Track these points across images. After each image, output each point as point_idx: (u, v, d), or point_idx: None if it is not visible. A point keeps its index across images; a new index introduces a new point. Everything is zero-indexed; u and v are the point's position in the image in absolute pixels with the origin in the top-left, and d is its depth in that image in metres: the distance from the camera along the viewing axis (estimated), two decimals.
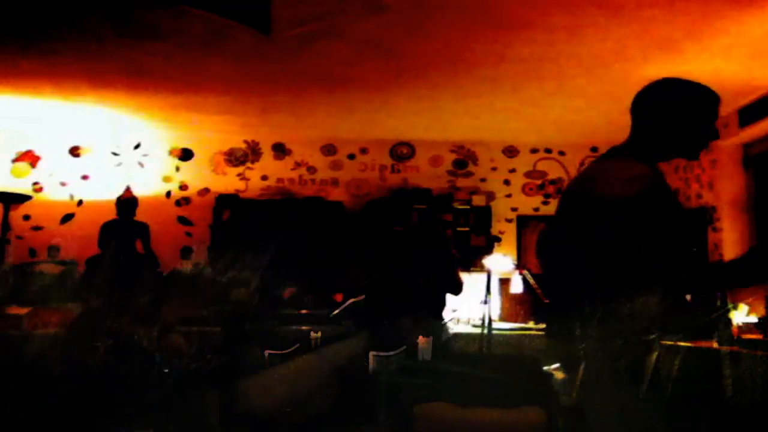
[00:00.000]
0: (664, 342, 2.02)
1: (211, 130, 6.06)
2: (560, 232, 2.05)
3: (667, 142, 1.97)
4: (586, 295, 1.86)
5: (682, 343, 3.74)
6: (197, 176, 6.24)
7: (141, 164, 6.21)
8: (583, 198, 1.94)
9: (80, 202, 6.10)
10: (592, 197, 1.89)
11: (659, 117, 1.95)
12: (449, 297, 4.41)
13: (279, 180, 6.27)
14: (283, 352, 3.44)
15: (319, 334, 4.04)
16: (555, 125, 5.70)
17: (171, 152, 6.26)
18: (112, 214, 5.48)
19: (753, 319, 3.99)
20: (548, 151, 6.35)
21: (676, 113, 1.94)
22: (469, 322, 5.50)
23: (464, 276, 5.53)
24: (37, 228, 5.99)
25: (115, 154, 6.20)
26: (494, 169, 6.35)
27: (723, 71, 4.32)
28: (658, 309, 1.81)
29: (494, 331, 4.70)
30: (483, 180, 6.33)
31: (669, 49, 3.99)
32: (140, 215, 5.55)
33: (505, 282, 5.60)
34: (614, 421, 1.80)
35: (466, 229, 6.02)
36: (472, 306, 5.47)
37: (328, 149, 6.33)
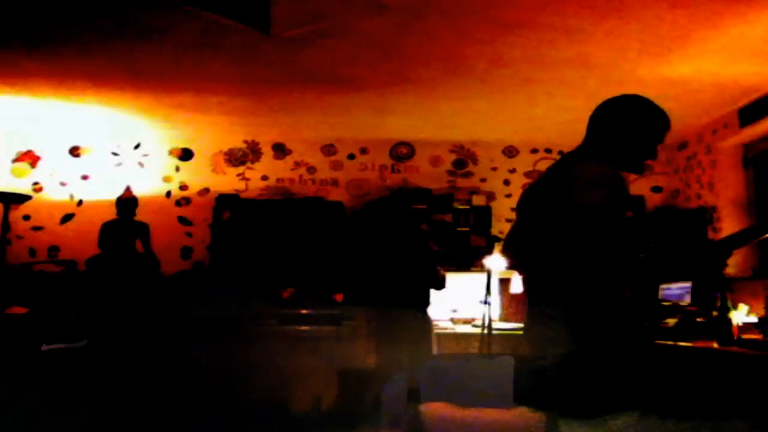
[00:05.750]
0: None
1: (211, 130, 6.06)
2: (535, 231, 2.11)
3: (623, 152, 2.11)
4: (565, 289, 1.93)
5: (682, 343, 3.74)
6: (197, 176, 6.24)
7: (141, 164, 6.21)
8: (560, 199, 2.01)
9: (80, 202, 6.10)
10: (571, 198, 1.95)
11: (623, 128, 2.10)
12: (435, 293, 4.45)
13: (279, 180, 6.27)
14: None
15: None
16: (555, 125, 5.70)
17: (171, 152, 6.26)
18: (112, 214, 5.48)
19: (753, 319, 4.00)
20: (548, 151, 6.35)
21: (638, 128, 2.09)
22: (469, 322, 5.50)
23: (463, 276, 5.55)
24: (37, 228, 5.99)
25: (115, 154, 6.20)
26: (494, 169, 6.35)
27: (723, 71, 4.33)
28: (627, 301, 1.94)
29: (494, 331, 4.70)
30: (483, 180, 6.33)
31: (669, 49, 3.99)
32: (140, 215, 5.55)
33: (505, 282, 5.60)
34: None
35: (466, 229, 6.02)
36: (472, 306, 5.47)
37: (328, 149, 6.33)
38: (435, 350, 4.34)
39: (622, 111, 2.14)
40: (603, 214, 1.88)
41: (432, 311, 4.51)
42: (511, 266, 2.43)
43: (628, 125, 2.10)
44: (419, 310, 4.30)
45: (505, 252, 2.38)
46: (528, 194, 2.30)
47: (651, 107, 2.13)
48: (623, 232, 1.91)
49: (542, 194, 2.17)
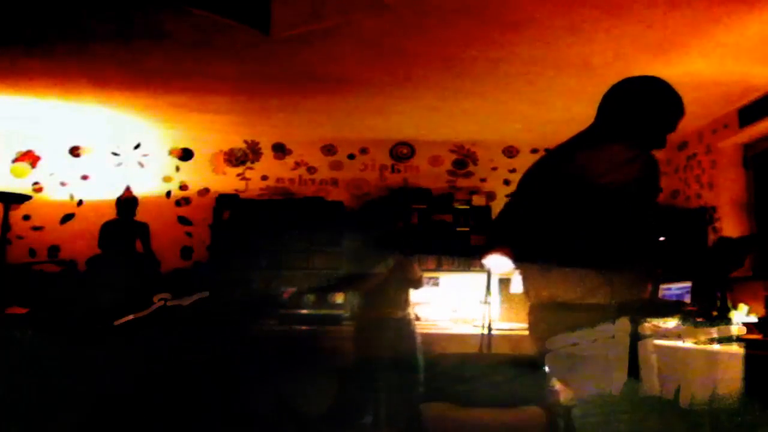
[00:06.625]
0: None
1: (211, 130, 6.06)
2: (545, 213, 2.09)
3: (641, 132, 2.09)
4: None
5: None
6: (197, 176, 6.23)
7: (141, 164, 6.21)
8: (584, 179, 1.97)
9: (80, 202, 6.10)
10: (594, 180, 1.93)
11: (641, 107, 2.10)
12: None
13: (279, 180, 6.27)
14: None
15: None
16: (555, 125, 5.69)
17: (171, 152, 6.26)
18: (112, 214, 5.48)
19: (753, 319, 4.00)
20: (548, 151, 6.34)
21: (654, 107, 2.08)
22: (470, 322, 5.51)
23: (463, 276, 5.52)
24: (37, 228, 5.99)
25: (115, 154, 6.20)
26: (494, 169, 6.35)
27: (723, 71, 4.33)
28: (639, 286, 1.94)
29: (494, 331, 4.70)
30: (483, 180, 6.33)
31: (669, 49, 3.99)
32: (140, 215, 5.55)
33: (505, 282, 5.60)
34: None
35: (466, 229, 6.01)
36: (472, 306, 5.48)
37: (328, 149, 6.33)
38: (422, 350, 4.34)
39: (640, 91, 2.14)
40: (634, 195, 1.86)
41: (415, 311, 4.54)
42: (504, 246, 2.39)
43: (646, 104, 2.09)
44: (398, 311, 4.31)
45: (498, 234, 2.35)
46: (535, 175, 2.27)
47: (668, 88, 2.11)
48: (651, 215, 1.90)
49: (558, 175, 2.14)
